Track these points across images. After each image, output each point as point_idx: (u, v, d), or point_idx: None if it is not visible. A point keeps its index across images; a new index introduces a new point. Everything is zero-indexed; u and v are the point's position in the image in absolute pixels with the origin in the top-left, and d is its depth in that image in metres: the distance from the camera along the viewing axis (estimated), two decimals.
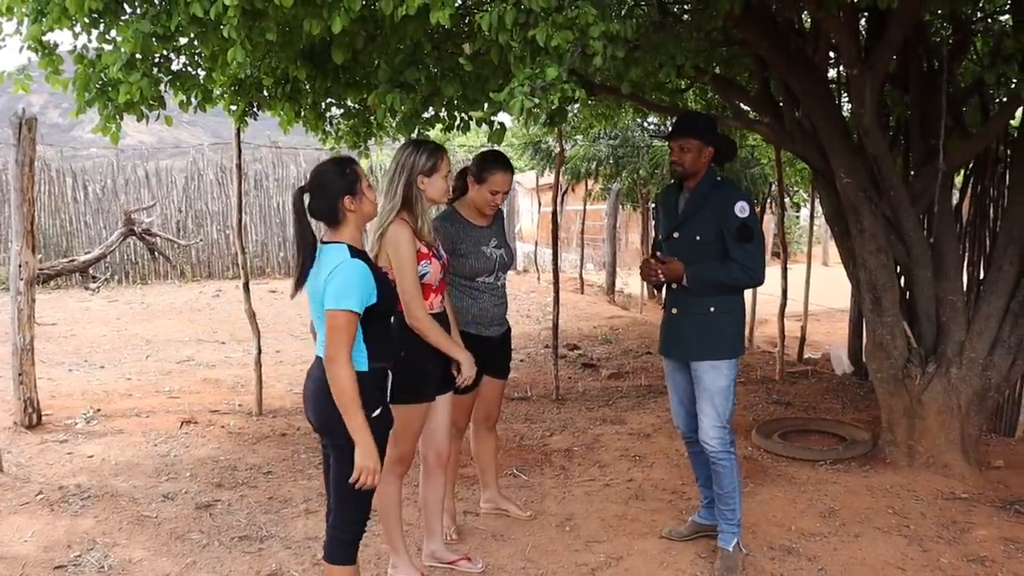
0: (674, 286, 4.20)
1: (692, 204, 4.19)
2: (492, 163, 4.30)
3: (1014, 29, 5.04)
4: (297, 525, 4.83)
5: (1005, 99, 5.81)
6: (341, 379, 3.02)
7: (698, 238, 4.11)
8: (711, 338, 4.10)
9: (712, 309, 4.10)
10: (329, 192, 3.15)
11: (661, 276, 4.17)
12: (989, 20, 6.79)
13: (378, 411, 3.18)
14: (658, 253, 4.25)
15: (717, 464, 4.15)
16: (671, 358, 4.35)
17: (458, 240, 4.21)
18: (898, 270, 5.70)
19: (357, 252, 3.14)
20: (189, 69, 5.02)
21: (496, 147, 5.23)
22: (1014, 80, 5.09)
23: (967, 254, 6.41)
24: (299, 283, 3.23)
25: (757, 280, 4.15)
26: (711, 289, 4.08)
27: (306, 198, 3.21)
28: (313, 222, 3.21)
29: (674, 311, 4.25)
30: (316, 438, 5.96)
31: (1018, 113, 5.74)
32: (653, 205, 16.49)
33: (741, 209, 4.02)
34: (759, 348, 11.08)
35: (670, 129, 4.40)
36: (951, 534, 4.63)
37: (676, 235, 4.22)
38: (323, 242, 3.19)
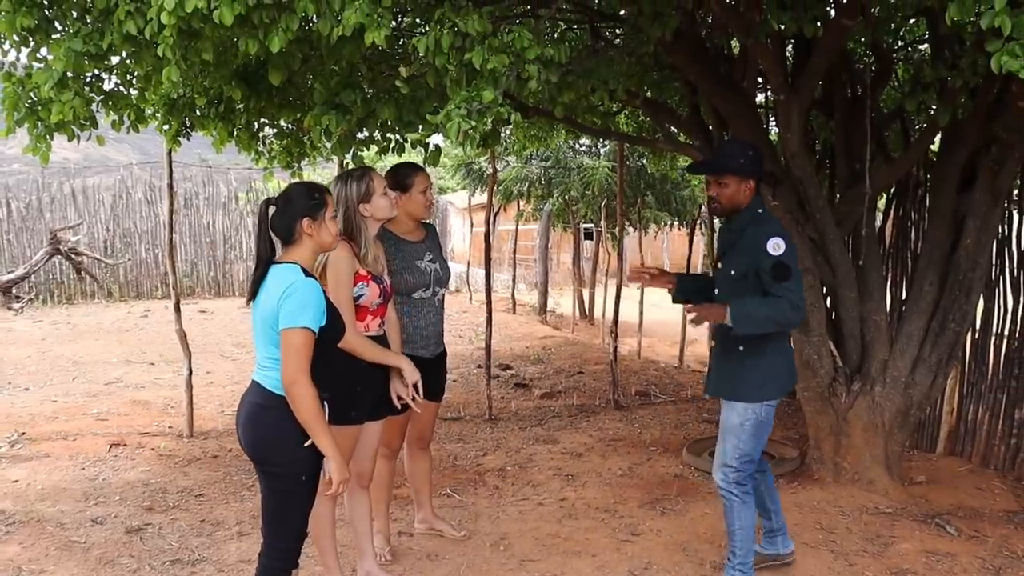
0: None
1: (733, 236, 4.05)
2: (406, 169, 4.35)
3: (932, 58, 5.22)
4: (230, 548, 4.78)
5: (925, 125, 6.00)
6: (304, 400, 3.01)
7: (732, 272, 3.99)
8: (733, 377, 4.01)
9: (741, 349, 3.97)
10: (291, 209, 3.15)
11: (701, 317, 3.95)
12: (909, 49, 7.02)
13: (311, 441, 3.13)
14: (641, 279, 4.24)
15: (722, 500, 4.11)
16: (707, 392, 4.27)
17: (391, 257, 4.21)
18: (824, 291, 5.83)
19: (308, 275, 3.12)
20: (122, 88, 4.97)
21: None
22: (933, 107, 5.27)
23: (890, 275, 6.58)
24: (252, 294, 3.20)
25: (802, 317, 3.90)
26: (755, 327, 3.86)
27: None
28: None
29: (712, 344, 4.20)
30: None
31: (937, 139, 5.92)
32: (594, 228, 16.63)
33: (775, 246, 3.78)
34: (690, 367, 11.23)
35: (708, 163, 4.30)
36: (876, 548, 4.74)
37: (719, 266, 4.13)
38: (275, 262, 3.17)
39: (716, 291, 4.15)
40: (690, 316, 3.97)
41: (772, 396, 4.00)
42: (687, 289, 4.34)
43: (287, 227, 3.16)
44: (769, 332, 3.90)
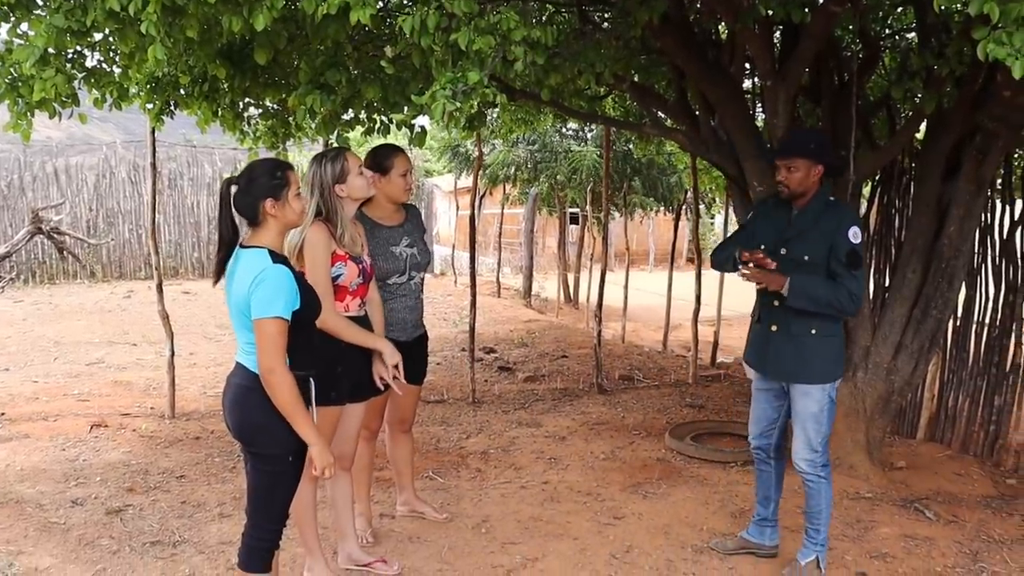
0: (775, 303, 4.08)
1: (802, 223, 4.05)
2: (386, 151, 4.29)
3: (919, 47, 5.22)
4: (211, 529, 4.77)
5: (911, 113, 6.01)
6: (282, 388, 2.99)
7: (806, 258, 3.98)
8: (808, 361, 4.02)
9: (813, 332, 4.00)
10: (253, 190, 3.09)
11: (759, 278, 3.98)
12: (897, 37, 7.03)
13: None
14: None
15: (806, 485, 4.14)
16: (765, 376, 4.28)
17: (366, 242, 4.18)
18: None
19: (278, 258, 3.08)
20: (104, 66, 4.92)
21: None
22: (919, 95, 5.28)
23: (873, 262, 6.60)
24: (217, 276, 3.18)
25: (857, 310, 4.05)
26: (810, 304, 3.92)
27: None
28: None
29: (773, 328, 4.14)
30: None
31: (923, 127, 5.94)
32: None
33: (854, 235, 3.90)
34: (673, 352, 11.26)
35: (778, 147, 4.28)
36: (855, 532, 4.77)
37: (783, 252, 4.07)
38: (242, 246, 3.13)
39: None
40: (746, 277, 4.01)
41: (842, 373, 4.16)
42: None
43: (250, 208, 3.11)
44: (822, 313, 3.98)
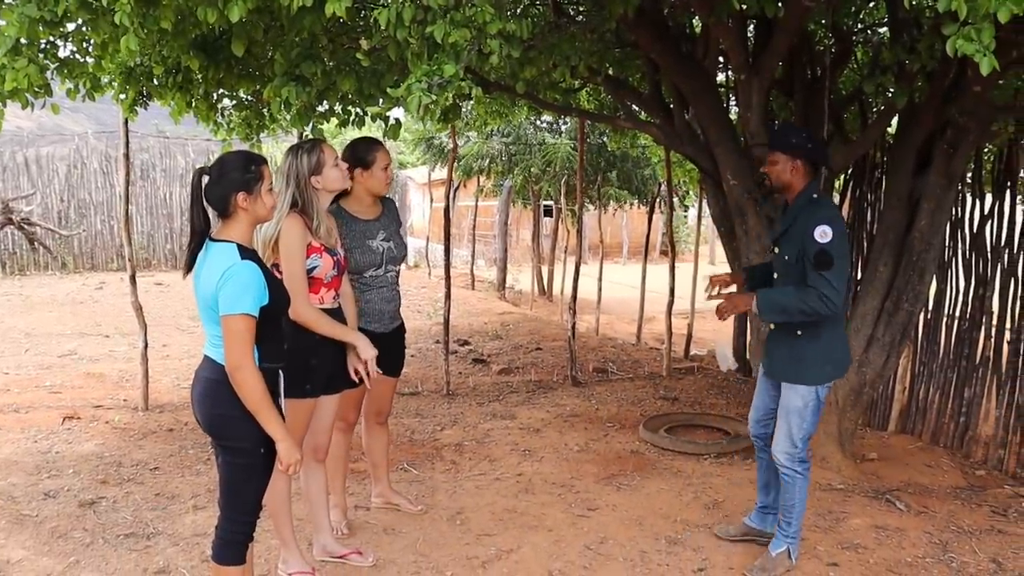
0: None
1: (786, 221, 4.08)
2: (368, 144, 4.29)
3: (891, 42, 5.27)
4: (185, 521, 4.75)
5: (882, 108, 6.06)
6: (249, 384, 2.98)
7: (786, 257, 4.03)
8: (798, 361, 4.05)
9: (799, 333, 4.03)
10: (225, 183, 3.06)
11: (730, 310, 4.06)
12: (869, 32, 7.08)
13: None
14: (717, 289, 4.28)
15: (782, 477, 4.17)
16: (763, 370, 4.36)
17: (342, 236, 4.15)
18: None
19: (247, 252, 3.06)
20: (77, 56, 4.88)
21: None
22: (890, 90, 5.32)
23: None
24: (188, 267, 3.16)
25: (835, 311, 3.91)
26: (781, 316, 3.99)
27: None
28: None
29: (771, 327, 4.24)
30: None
31: (894, 121, 5.99)
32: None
33: (821, 234, 3.82)
34: (647, 345, 11.30)
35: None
36: (827, 523, 4.81)
37: (776, 251, 4.15)
38: (212, 239, 3.10)
39: (775, 276, 4.21)
40: (719, 311, 4.08)
41: (831, 378, 4.13)
42: (756, 284, 4.39)
43: (221, 200, 3.07)
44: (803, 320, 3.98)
